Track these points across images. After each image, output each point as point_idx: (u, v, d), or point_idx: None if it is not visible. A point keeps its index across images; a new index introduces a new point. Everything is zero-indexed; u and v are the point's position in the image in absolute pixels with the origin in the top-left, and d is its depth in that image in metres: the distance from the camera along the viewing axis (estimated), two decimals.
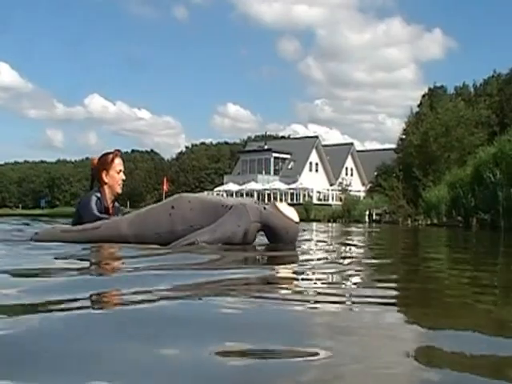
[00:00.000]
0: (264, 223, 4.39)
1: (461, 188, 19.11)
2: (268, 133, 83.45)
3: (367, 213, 36.53)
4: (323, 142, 66.95)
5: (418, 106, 45.91)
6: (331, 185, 59.32)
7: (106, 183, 5.06)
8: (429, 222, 23.90)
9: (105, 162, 5.12)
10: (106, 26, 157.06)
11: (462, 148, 34.80)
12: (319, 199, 53.26)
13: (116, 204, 5.28)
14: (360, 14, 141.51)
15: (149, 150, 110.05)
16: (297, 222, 4.55)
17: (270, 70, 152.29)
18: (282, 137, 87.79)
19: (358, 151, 68.88)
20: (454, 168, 26.19)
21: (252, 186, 57.63)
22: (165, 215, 4.38)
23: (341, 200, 44.80)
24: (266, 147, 63.55)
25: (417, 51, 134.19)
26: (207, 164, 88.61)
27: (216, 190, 61.33)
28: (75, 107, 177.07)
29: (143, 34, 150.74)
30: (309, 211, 41.61)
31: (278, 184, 57.50)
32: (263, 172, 61.56)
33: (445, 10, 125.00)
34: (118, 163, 5.13)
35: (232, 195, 57.89)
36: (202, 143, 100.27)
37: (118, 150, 5.35)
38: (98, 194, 5.02)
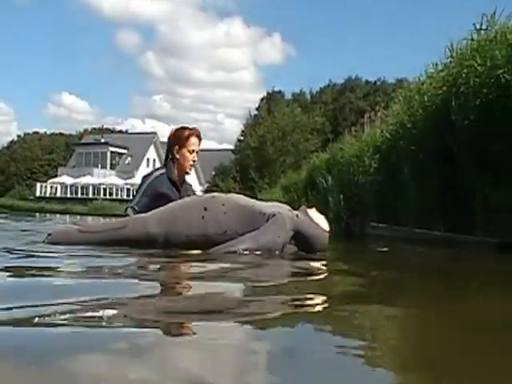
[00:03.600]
0: (296, 231, 4.21)
1: (295, 192, 19.76)
2: (105, 126, 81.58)
3: None
4: (161, 139, 66.45)
5: (257, 109, 47.07)
6: None
7: (177, 159, 4.86)
8: None
9: (179, 138, 4.88)
10: None
11: (298, 153, 36.19)
12: None
13: (187, 181, 5.08)
14: (202, 12, 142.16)
15: None
16: (327, 231, 4.35)
17: (109, 61, 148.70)
18: (120, 131, 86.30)
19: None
20: (289, 172, 27.10)
21: (87, 179, 56.03)
22: (197, 217, 4.08)
23: None
24: (102, 140, 62.06)
25: (257, 54, 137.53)
26: (40, 155, 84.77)
27: (50, 181, 59.01)
28: None
29: None
30: None
31: (114, 179, 56.43)
32: (99, 166, 60.08)
33: (284, 17, 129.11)
34: (192, 142, 4.87)
35: (66, 188, 55.97)
36: (36, 133, 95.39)
37: (195, 129, 5.02)
38: (161, 171, 4.86)
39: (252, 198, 4.64)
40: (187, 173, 4.95)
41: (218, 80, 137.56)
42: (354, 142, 13.41)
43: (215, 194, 4.50)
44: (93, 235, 4.26)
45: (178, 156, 4.86)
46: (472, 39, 7.85)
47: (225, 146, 57.47)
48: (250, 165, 37.33)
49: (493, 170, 6.94)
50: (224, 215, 4.05)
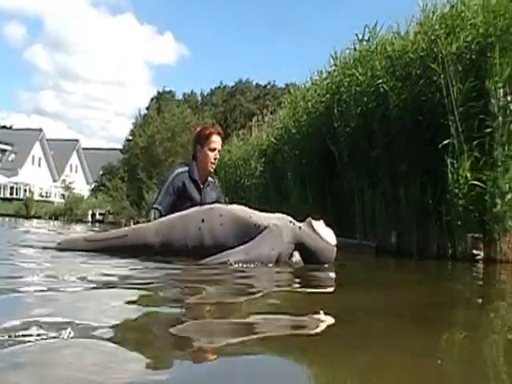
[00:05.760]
0: (298, 243, 4.05)
1: None
2: None
3: (90, 212, 35.99)
4: (47, 136, 64.10)
5: (147, 108, 46.57)
6: (54, 181, 57.38)
7: (198, 158, 4.82)
8: None
9: (200, 136, 4.83)
10: None
11: (187, 154, 36.07)
12: (41, 195, 51.18)
13: (210, 179, 4.96)
14: (92, 7, 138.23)
15: None
16: (333, 245, 4.14)
17: None
18: (4, 126, 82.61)
19: (83, 148, 67.56)
20: None
21: None
22: (194, 228, 4.07)
23: (64, 197, 43.51)
24: None
25: (148, 52, 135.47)
26: None
27: None
28: None
29: None
30: (29, 207, 39.85)
31: None
32: None
33: (177, 16, 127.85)
34: (213, 140, 4.79)
35: None
36: None
37: (216, 127, 4.95)
38: (183, 169, 4.81)
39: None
40: (210, 171, 4.87)
41: (109, 78, 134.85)
42: (242, 145, 13.53)
43: (216, 205, 4.35)
44: (96, 243, 4.37)
45: (199, 155, 4.82)
46: (354, 49, 8.12)
47: (113, 145, 56.36)
48: (138, 165, 36.82)
49: (371, 176, 7.20)
50: (220, 226, 4.04)
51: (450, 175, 5.84)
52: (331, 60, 8.73)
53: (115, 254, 4.05)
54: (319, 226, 4.19)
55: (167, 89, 52.83)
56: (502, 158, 5.58)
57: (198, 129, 5.02)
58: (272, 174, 10.41)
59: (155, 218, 4.52)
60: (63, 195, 45.20)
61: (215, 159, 4.83)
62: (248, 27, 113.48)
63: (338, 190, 7.94)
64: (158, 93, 51.60)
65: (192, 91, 55.81)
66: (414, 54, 6.67)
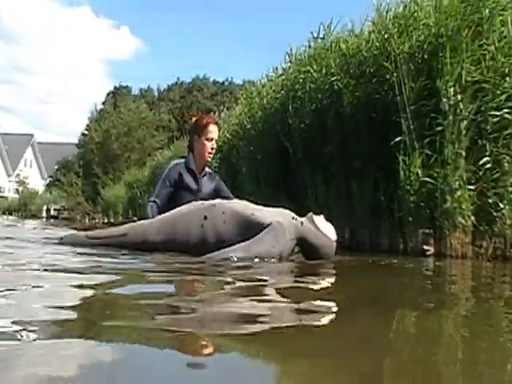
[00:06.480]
0: (301, 239, 4.03)
1: (138, 189, 19.67)
2: None
3: (45, 208, 35.49)
4: (1, 130, 62.86)
5: (103, 103, 46.06)
6: (9, 176, 56.29)
7: (196, 148, 4.83)
8: (106, 221, 24.07)
9: (197, 126, 4.85)
10: None
11: (143, 149, 35.84)
12: None
13: (207, 169, 4.95)
14: (48, 0, 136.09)
15: None
16: (333, 240, 4.13)
17: None
18: None
19: (39, 143, 66.42)
20: (134, 168, 26.74)
21: None
22: (196, 225, 4.03)
23: (18, 193, 42.83)
24: None
25: (105, 47, 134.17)
26: None
27: None
28: None
29: None
30: None
31: None
32: None
33: (134, 10, 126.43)
34: (210, 130, 4.80)
35: None
36: None
37: (212, 117, 5.01)
38: (180, 160, 4.83)
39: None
40: (207, 161, 4.86)
41: (65, 71, 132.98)
42: None
43: (218, 201, 4.25)
44: (97, 241, 4.38)
45: (196, 145, 4.83)
46: (309, 46, 8.17)
47: (71, 139, 55.37)
48: (94, 160, 36.42)
49: (325, 172, 7.26)
50: (223, 224, 3.99)
51: (401, 172, 5.93)
52: (286, 57, 8.78)
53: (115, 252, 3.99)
54: (320, 221, 4.20)
55: (124, 84, 52.23)
56: (452, 155, 5.67)
57: (195, 119, 5.01)
58: (227, 170, 10.40)
59: (153, 214, 4.55)
60: (17, 190, 44.49)
61: (212, 149, 4.86)
62: (205, 23, 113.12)
63: (293, 185, 7.97)
64: (115, 88, 50.98)
65: (149, 87, 55.29)
66: (367, 52, 6.74)
